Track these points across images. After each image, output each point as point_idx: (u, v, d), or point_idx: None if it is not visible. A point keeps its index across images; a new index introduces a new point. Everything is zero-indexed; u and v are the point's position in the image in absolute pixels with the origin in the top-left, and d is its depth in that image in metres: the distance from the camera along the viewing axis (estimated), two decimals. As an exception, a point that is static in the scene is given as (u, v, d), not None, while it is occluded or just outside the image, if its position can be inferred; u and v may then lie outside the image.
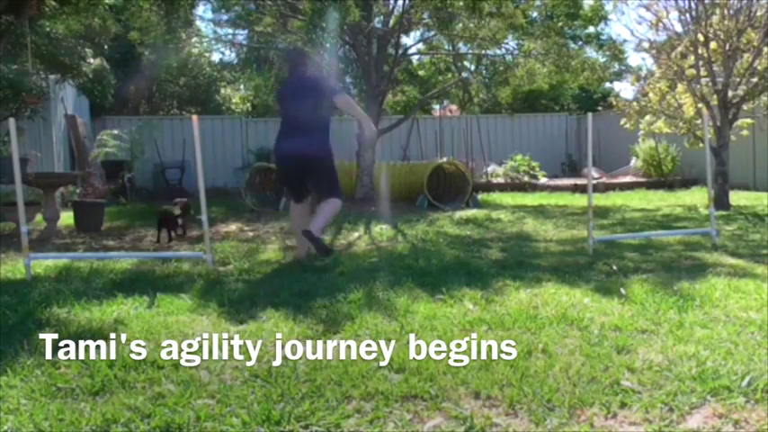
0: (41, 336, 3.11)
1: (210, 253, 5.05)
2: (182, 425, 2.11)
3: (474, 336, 3.02)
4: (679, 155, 14.13)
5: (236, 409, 2.23)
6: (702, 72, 9.46)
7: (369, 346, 2.94)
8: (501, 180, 14.64)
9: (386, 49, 11.15)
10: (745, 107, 9.59)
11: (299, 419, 2.15)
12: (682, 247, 5.69)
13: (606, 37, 19.82)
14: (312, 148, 5.19)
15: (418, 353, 2.75)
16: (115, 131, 11.48)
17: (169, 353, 2.82)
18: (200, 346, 2.92)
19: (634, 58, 45.26)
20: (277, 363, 2.69)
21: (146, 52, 15.10)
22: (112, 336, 3.11)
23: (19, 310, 3.66)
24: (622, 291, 3.93)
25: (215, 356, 2.80)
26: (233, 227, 7.94)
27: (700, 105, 9.31)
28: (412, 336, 3.03)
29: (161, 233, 6.64)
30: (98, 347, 2.91)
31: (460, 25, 11.68)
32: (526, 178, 14.67)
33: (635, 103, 10.86)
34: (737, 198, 10.26)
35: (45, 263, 5.23)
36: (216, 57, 19.73)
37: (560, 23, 11.45)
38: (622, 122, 11.14)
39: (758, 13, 9.11)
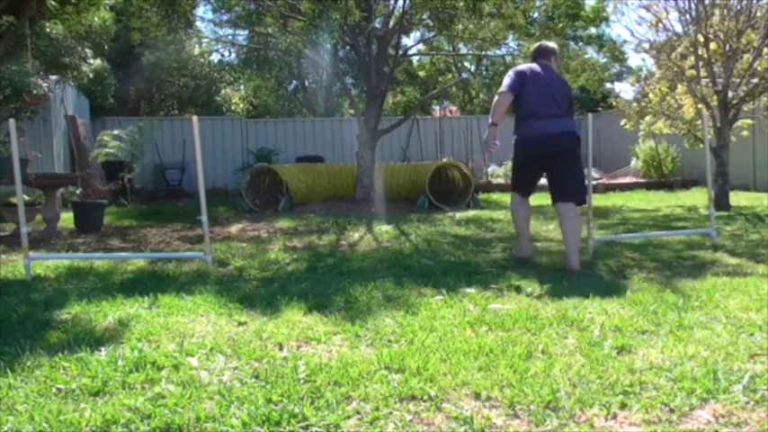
0: (41, 336, 3.12)
1: (211, 253, 5.05)
2: (182, 426, 2.11)
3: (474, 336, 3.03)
4: (679, 156, 14.14)
5: (236, 409, 2.23)
6: (702, 73, 9.46)
7: (369, 346, 2.95)
8: (501, 181, 14.64)
9: (386, 50, 11.15)
10: (745, 108, 9.60)
11: (299, 420, 2.15)
12: (682, 248, 5.69)
13: (607, 38, 19.86)
14: (570, 128, 4.97)
15: (418, 353, 2.76)
16: (115, 132, 11.48)
17: (169, 353, 2.82)
18: (201, 347, 2.92)
19: (634, 59, 45.30)
20: (277, 363, 2.69)
21: (146, 53, 15.14)
22: (113, 336, 3.12)
23: (19, 310, 3.66)
24: (623, 291, 3.93)
25: (215, 357, 2.80)
26: (234, 227, 7.94)
27: (700, 106, 9.32)
28: (412, 336, 3.03)
29: None
30: (98, 348, 2.91)
31: (460, 26, 11.69)
32: (526, 179, 14.65)
33: (635, 104, 10.86)
34: (738, 199, 10.27)
35: (45, 263, 5.23)
36: (216, 57, 19.75)
37: (561, 24, 11.45)
38: (622, 123, 11.14)
39: (758, 14, 9.11)
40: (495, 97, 5.02)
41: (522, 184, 5.18)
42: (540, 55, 5.29)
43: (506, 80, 5.02)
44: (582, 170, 5.08)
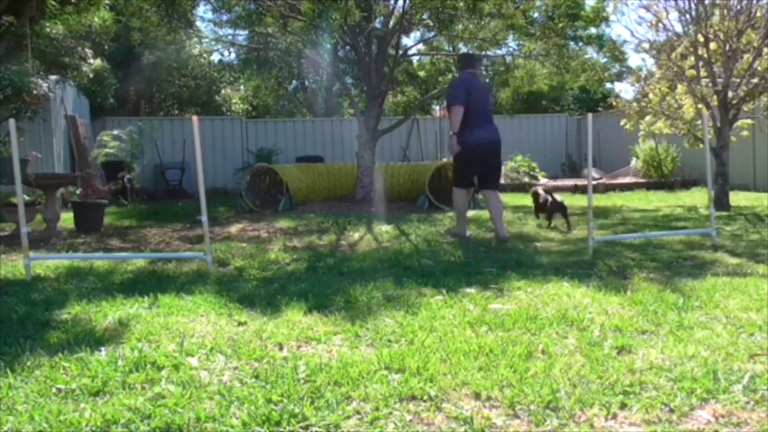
0: (41, 336, 3.12)
1: (211, 253, 5.05)
2: (182, 426, 2.11)
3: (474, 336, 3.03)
4: (679, 156, 14.14)
5: (236, 409, 2.23)
6: (702, 73, 9.46)
7: (369, 346, 2.95)
8: (501, 180, 14.62)
9: (386, 50, 11.14)
10: (745, 108, 9.60)
11: (299, 420, 2.15)
12: (682, 248, 5.69)
13: (607, 38, 19.84)
14: (498, 136, 6.45)
15: (418, 353, 2.76)
16: (115, 132, 11.48)
17: (169, 353, 2.82)
18: (201, 347, 2.92)
19: (634, 59, 45.33)
20: (277, 363, 2.69)
21: (146, 53, 15.13)
22: (113, 336, 3.12)
23: (19, 310, 3.66)
24: (623, 291, 3.93)
25: (215, 357, 2.80)
26: (234, 227, 7.94)
27: (700, 106, 9.31)
28: (412, 336, 3.03)
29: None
30: (98, 348, 2.92)
31: (460, 26, 11.67)
32: (526, 179, 14.67)
33: (635, 104, 10.86)
34: (737, 199, 10.27)
35: (45, 263, 5.23)
36: (216, 57, 19.74)
37: (561, 24, 11.44)
38: (622, 123, 11.14)
39: (758, 14, 9.11)
40: (453, 108, 6.23)
41: (467, 182, 6.52)
42: (470, 64, 6.52)
43: (456, 93, 6.23)
44: (501, 165, 6.70)
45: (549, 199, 7.20)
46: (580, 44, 16.12)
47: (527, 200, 11.48)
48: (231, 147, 16.19)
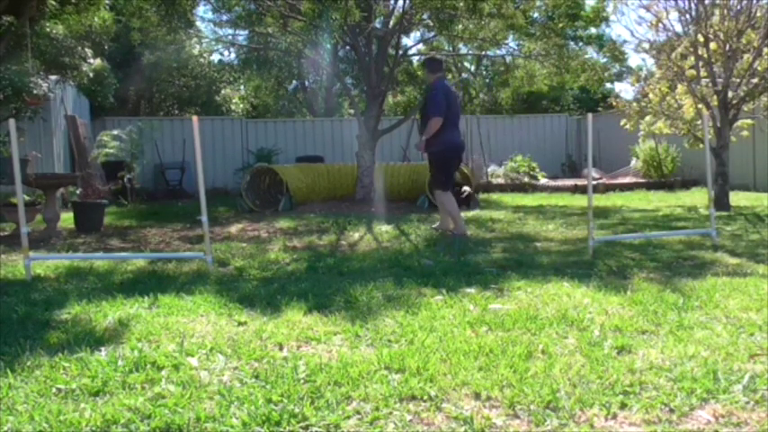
0: (41, 336, 3.12)
1: (211, 253, 5.05)
2: (182, 426, 2.11)
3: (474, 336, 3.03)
4: (679, 156, 14.14)
5: (236, 409, 2.23)
6: (702, 73, 9.46)
7: (369, 346, 2.95)
8: (501, 180, 14.65)
9: (386, 50, 11.15)
10: (745, 108, 9.60)
11: (299, 420, 2.15)
12: (682, 248, 5.69)
13: (607, 38, 19.85)
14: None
15: (418, 353, 2.76)
16: (115, 132, 11.48)
17: (169, 353, 2.82)
18: (201, 347, 2.92)
19: (634, 59, 45.31)
20: (277, 363, 2.69)
21: (146, 53, 15.13)
22: (113, 336, 3.12)
23: (19, 310, 3.66)
24: (623, 291, 3.93)
25: (215, 357, 2.80)
26: (234, 227, 7.94)
27: (700, 106, 9.31)
28: (412, 336, 3.03)
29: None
30: (98, 348, 2.92)
31: (460, 26, 11.68)
32: (526, 179, 14.67)
33: (635, 104, 10.86)
34: (737, 199, 10.27)
35: (45, 263, 5.23)
36: (216, 57, 19.74)
37: (561, 24, 11.45)
38: (622, 123, 11.15)
39: (758, 14, 9.11)
40: (433, 118, 6.51)
41: (449, 181, 6.78)
42: (440, 68, 6.85)
43: (439, 104, 6.48)
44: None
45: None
46: (580, 44, 16.16)
47: (527, 200, 11.51)
48: (231, 147, 16.18)
